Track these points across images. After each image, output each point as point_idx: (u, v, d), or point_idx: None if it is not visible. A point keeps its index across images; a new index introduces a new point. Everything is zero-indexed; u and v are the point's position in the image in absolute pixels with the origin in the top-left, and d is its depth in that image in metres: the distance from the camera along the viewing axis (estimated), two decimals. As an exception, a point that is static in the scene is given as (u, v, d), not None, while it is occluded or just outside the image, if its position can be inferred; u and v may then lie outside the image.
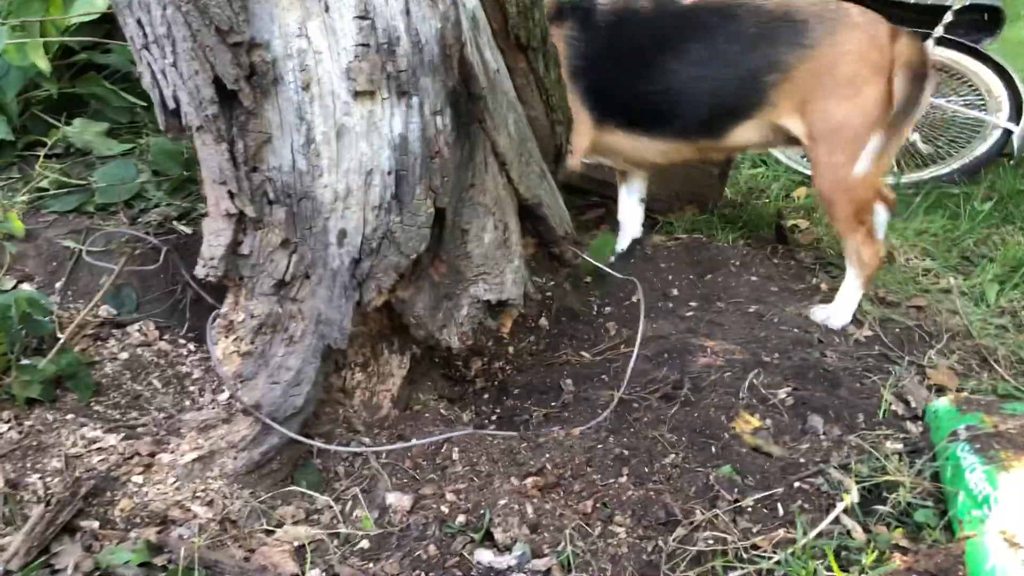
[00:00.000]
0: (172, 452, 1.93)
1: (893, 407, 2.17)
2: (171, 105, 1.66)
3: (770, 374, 2.25)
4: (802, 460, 1.94)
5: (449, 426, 2.19)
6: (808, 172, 3.75)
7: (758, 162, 3.96)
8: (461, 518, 1.81)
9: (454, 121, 1.79)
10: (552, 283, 2.89)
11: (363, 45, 1.61)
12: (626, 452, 1.98)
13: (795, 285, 2.88)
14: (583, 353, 2.59)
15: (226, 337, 1.90)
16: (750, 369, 2.26)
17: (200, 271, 1.81)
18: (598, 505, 1.84)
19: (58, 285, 2.51)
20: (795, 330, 2.54)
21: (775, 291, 2.84)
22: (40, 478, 1.81)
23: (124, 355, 2.32)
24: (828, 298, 2.73)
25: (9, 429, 1.93)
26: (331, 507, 1.90)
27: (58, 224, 2.65)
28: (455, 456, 2.02)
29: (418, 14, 1.65)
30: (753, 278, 2.92)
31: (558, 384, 2.44)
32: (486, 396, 2.50)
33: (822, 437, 2.03)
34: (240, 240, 1.79)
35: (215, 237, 1.78)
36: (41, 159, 2.83)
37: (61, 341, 2.07)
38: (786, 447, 1.99)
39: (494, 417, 2.41)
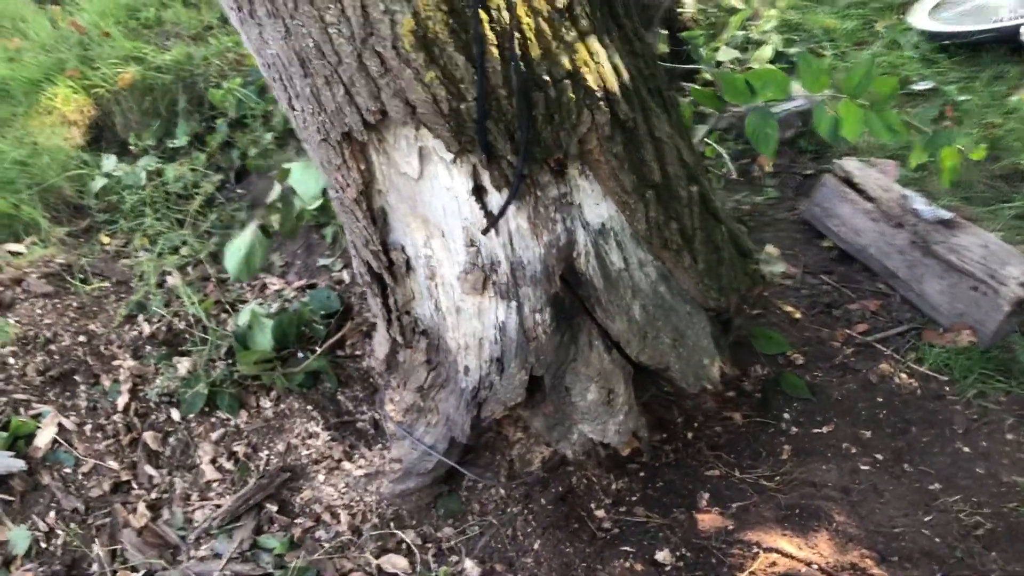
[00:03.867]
0: (352, 462, 2.68)
1: None
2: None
3: (851, 590, 2.30)
4: None
5: (572, 510, 2.64)
6: None
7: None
8: (494, 612, 2.33)
9: (554, 316, 2.12)
10: (764, 372, 3.03)
11: (471, 263, 2.02)
12: (653, 612, 2.28)
13: (1007, 476, 2.65)
14: (736, 471, 2.78)
15: (390, 403, 2.54)
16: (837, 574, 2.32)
17: (373, 363, 2.45)
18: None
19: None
20: (938, 539, 2.44)
21: (978, 474, 2.66)
22: (267, 454, 2.69)
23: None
24: (1029, 505, 2.52)
25: (269, 408, 2.82)
26: (438, 546, 2.53)
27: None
28: (536, 546, 2.49)
29: (520, 244, 1.99)
30: (966, 449, 2.74)
31: (694, 495, 2.71)
32: (641, 474, 2.85)
33: None
34: (397, 351, 2.37)
35: (380, 346, 2.39)
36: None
37: (320, 351, 2.89)
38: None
39: (633, 498, 2.77)
